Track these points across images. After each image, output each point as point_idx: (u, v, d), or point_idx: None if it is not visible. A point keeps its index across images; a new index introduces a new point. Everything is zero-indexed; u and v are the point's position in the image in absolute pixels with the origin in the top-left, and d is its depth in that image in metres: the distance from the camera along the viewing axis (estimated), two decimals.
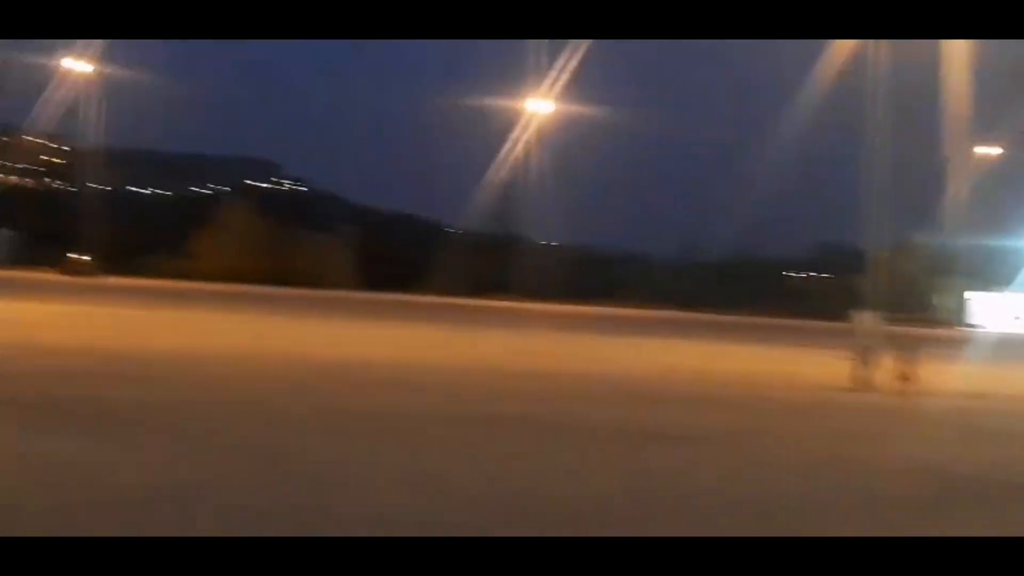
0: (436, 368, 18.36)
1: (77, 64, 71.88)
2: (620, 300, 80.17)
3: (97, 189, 78.17)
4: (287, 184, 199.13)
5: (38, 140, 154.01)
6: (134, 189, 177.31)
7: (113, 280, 62.09)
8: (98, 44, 70.00)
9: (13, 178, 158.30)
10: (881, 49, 38.86)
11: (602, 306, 74.34)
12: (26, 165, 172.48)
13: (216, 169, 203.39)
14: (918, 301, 70.62)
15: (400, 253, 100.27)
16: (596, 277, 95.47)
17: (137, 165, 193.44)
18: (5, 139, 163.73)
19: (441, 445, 10.02)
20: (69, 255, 69.98)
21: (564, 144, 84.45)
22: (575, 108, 77.94)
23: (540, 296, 76.85)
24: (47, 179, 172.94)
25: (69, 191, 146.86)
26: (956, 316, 73.82)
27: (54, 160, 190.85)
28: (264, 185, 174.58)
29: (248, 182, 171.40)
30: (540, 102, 71.45)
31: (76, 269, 67.58)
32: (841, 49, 46.63)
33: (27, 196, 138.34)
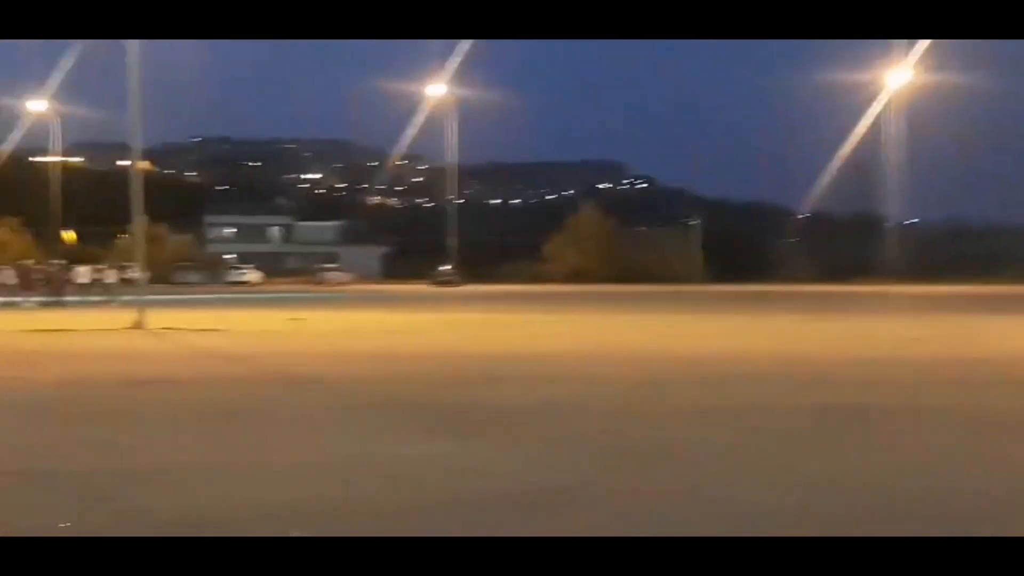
0: (822, 359, 17.13)
1: (434, 89, 76.52)
2: (997, 276, 73.32)
3: (455, 203, 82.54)
4: (633, 183, 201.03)
5: (402, 162, 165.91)
6: (490, 201, 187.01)
7: (476, 288, 65.22)
8: (452, 68, 74.06)
9: (379, 199, 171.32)
10: None
11: (978, 284, 68.33)
12: (392, 186, 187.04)
13: (565, 175, 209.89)
14: None
15: (751, 243, 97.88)
16: (968, 253, 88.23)
17: (491, 177, 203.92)
18: (374, 164, 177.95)
19: (870, 441, 9.09)
20: (437, 267, 74.46)
21: (923, 115, 78.69)
22: (934, 76, 72.44)
23: (906, 277, 71.96)
24: (411, 197, 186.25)
25: (430, 207, 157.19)
26: None
27: (416, 179, 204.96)
28: (610, 187, 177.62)
29: (597, 185, 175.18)
30: (897, 73, 67.05)
31: (442, 280, 71.71)
32: None
33: (394, 214, 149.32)
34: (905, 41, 62.41)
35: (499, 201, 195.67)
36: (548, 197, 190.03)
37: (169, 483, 7.55)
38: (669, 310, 35.90)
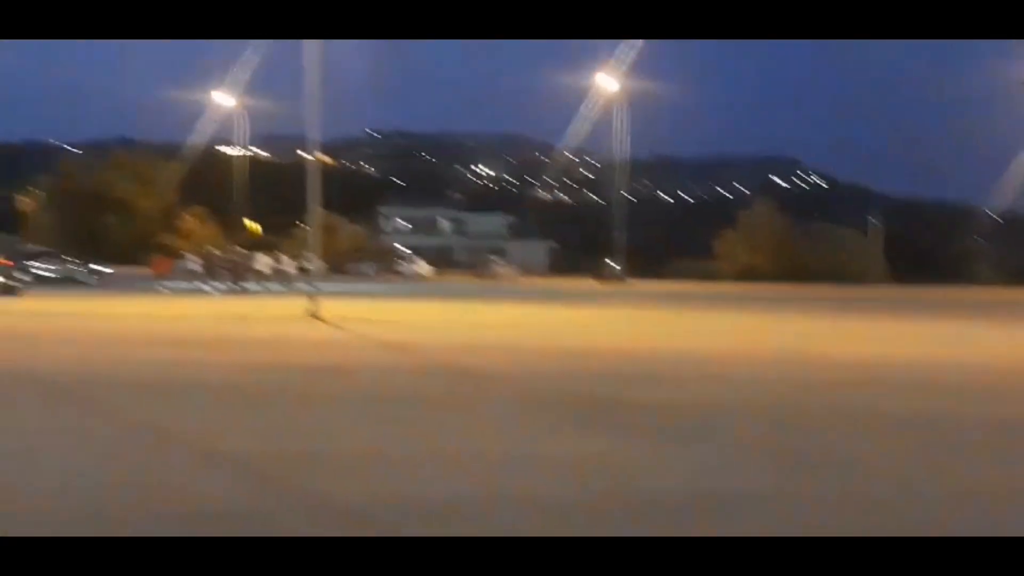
0: (1005, 369, 16.34)
1: (605, 82, 76.34)
2: None
3: (624, 198, 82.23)
4: (809, 180, 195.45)
5: (571, 156, 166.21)
6: (660, 195, 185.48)
7: (642, 285, 64.84)
8: (624, 61, 73.71)
9: (548, 193, 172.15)
10: None
11: None
12: (562, 180, 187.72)
13: (739, 170, 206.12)
14: None
15: (936, 244, 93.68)
16: None
17: (662, 172, 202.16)
18: (544, 158, 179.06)
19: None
20: (604, 262, 74.34)
21: None
22: None
23: None
24: (579, 192, 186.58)
25: (599, 202, 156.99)
26: None
27: (585, 174, 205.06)
28: (785, 183, 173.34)
29: (772, 179, 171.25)
30: None
31: (609, 276, 71.53)
32: None
33: (563, 209, 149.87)
34: None
35: (669, 197, 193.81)
36: (721, 193, 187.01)
37: (343, 469, 7.86)
38: (848, 312, 34.81)
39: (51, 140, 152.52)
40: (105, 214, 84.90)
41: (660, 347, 19.57)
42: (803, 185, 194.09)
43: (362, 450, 8.63)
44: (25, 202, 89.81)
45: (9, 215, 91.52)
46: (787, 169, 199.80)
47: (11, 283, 33.84)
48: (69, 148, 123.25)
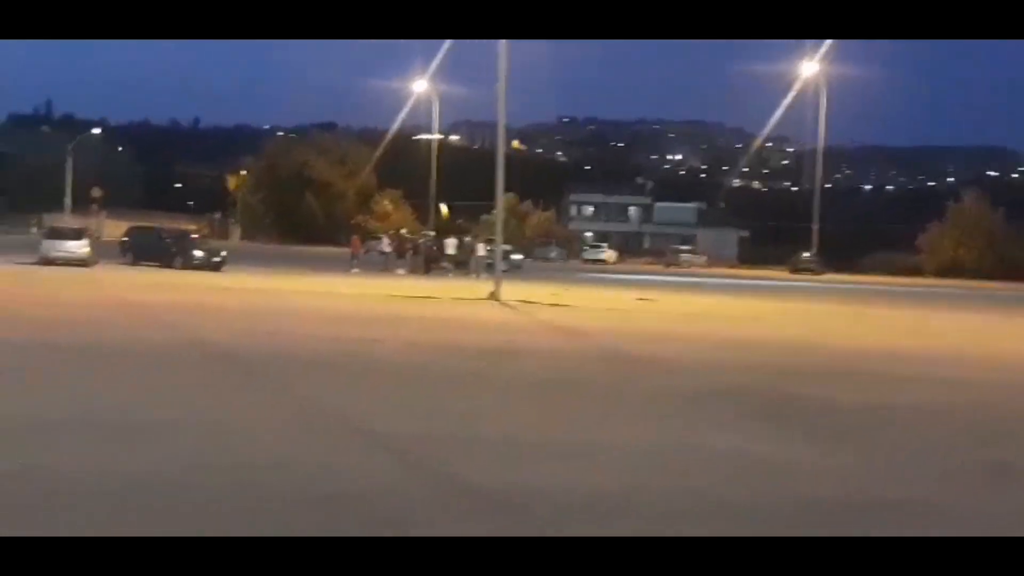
0: None
1: (806, 67, 73.84)
2: None
3: (822, 187, 79.41)
4: None
5: (767, 144, 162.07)
6: (861, 186, 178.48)
7: (837, 278, 62.49)
8: (824, 45, 71.17)
9: (741, 181, 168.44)
10: None
11: None
12: (757, 168, 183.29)
13: (946, 161, 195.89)
14: None
15: None
16: None
17: (863, 161, 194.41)
18: (739, 145, 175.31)
19: None
20: (798, 254, 72.04)
21: None
22: None
23: None
24: (775, 180, 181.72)
25: (795, 191, 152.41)
26: None
27: (781, 162, 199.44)
28: (998, 175, 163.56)
29: (983, 172, 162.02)
30: None
31: (802, 267, 69.26)
32: None
33: (756, 198, 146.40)
34: None
35: (870, 186, 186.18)
36: (927, 184, 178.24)
37: (494, 455, 7.78)
38: None
39: (260, 124, 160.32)
40: (307, 195, 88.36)
41: (860, 344, 18.70)
42: (1020, 178, 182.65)
43: (515, 435, 8.54)
44: (233, 182, 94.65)
45: (220, 194, 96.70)
46: (999, 160, 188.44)
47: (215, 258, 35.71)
48: (276, 132, 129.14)
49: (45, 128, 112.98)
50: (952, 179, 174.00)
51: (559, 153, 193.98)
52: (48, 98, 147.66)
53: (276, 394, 10.13)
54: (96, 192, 72.36)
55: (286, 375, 11.41)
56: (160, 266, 34.67)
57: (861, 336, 20.42)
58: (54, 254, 32.69)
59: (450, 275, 39.82)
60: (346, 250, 45.22)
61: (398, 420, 8.97)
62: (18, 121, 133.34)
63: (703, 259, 77.52)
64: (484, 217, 79.47)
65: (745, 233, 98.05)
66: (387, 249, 45.47)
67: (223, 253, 36.96)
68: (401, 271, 40.97)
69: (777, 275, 64.03)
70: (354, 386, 10.87)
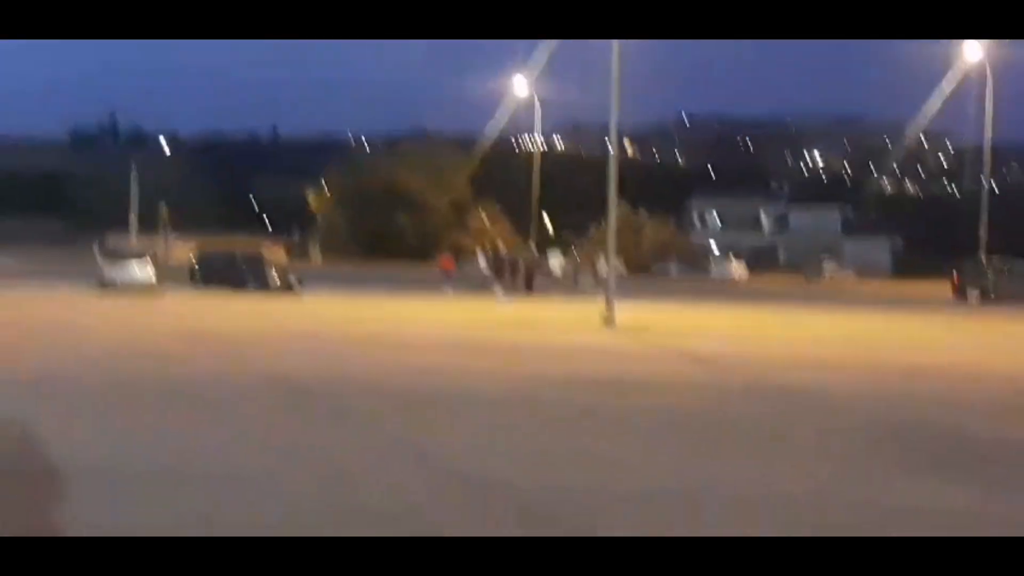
0: None
1: (965, 55, 71.75)
2: None
3: (990, 188, 76.90)
4: None
5: (922, 141, 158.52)
6: None
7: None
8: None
9: (892, 184, 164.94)
10: None
11: None
12: (910, 169, 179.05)
13: None
14: None
15: None
16: None
17: None
18: (889, 143, 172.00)
19: None
20: (965, 263, 69.48)
21: None
22: None
23: None
24: (932, 182, 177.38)
25: (955, 193, 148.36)
26: None
27: (940, 161, 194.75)
28: None
29: None
30: None
31: (973, 285, 66.82)
32: None
33: (910, 202, 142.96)
34: None
35: None
36: None
37: (639, 511, 7.35)
38: None
39: (344, 132, 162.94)
40: (396, 210, 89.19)
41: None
42: None
43: (647, 487, 8.09)
44: (316, 199, 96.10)
45: (301, 211, 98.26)
46: None
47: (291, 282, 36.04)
48: (361, 140, 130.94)
49: (109, 144, 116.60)
50: None
51: (679, 156, 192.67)
52: (112, 111, 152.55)
53: (360, 431, 9.86)
54: (164, 211, 74.27)
55: (372, 411, 11.16)
56: (233, 290, 35.09)
57: None
58: (113, 279, 33.18)
59: (554, 295, 39.49)
60: (438, 270, 45.20)
61: (504, 464, 8.60)
62: (81, 137, 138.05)
63: (850, 272, 75.65)
64: (593, 230, 79.08)
65: (899, 242, 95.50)
66: (484, 268, 45.39)
67: (299, 276, 37.27)
68: (500, 292, 40.79)
69: (941, 291, 62.00)
70: (446, 422, 10.54)
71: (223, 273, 37.04)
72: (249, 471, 8.19)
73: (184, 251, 44.54)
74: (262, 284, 35.48)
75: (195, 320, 23.79)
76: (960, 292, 43.34)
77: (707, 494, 7.87)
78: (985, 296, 41.88)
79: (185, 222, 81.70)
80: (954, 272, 46.81)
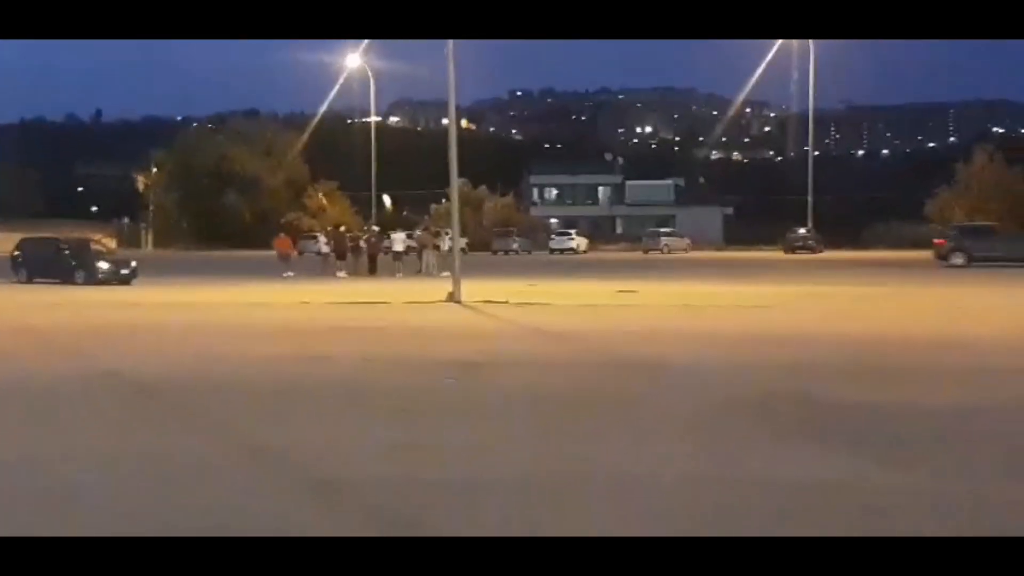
0: None
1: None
2: None
3: (809, 155, 79.11)
4: None
5: (745, 110, 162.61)
6: (852, 152, 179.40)
7: (839, 255, 62.17)
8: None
9: (720, 153, 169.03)
10: None
11: None
12: (735, 138, 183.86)
13: (946, 119, 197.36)
14: None
15: None
16: None
17: (851, 125, 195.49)
18: (714, 113, 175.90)
19: None
20: (792, 231, 71.44)
21: None
22: None
23: None
24: (756, 150, 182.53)
25: (778, 161, 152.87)
26: None
27: (762, 129, 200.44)
28: (1007, 131, 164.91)
29: (993, 129, 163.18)
30: None
31: (799, 245, 68.76)
32: None
33: (738, 170, 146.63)
34: None
35: (863, 152, 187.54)
36: (927, 145, 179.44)
37: (506, 503, 6.75)
38: None
39: (171, 116, 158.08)
40: (227, 190, 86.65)
41: (883, 330, 17.87)
42: None
43: (515, 476, 7.50)
44: (143, 181, 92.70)
45: (129, 196, 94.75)
46: (1007, 115, 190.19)
47: (124, 271, 34.31)
48: (190, 123, 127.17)
49: None
50: (954, 139, 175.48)
51: (514, 131, 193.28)
52: None
53: (198, 432, 9.00)
54: None
55: (210, 407, 10.29)
56: (60, 282, 33.28)
57: (891, 321, 19.61)
58: None
59: (399, 275, 38.75)
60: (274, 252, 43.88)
61: (367, 462, 7.91)
62: None
63: (686, 242, 76.85)
64: (434, 207, 78.36)
65: (729, 210, 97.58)
66: (325, 249, 44.27)
67: (133, 264, 35.49)
68: (342, 274, 39.82)
69: (772, 256, 63.58)
70: (290, 417, 9.76)
71: (49, 264, 35.14)
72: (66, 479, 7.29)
73: (7, 243, 42.06)
74: (90, 275, 33.69)
75: (16, 315, 22.25)
76: (942, 257, 44.50)
77: (575, 476, 7.33)
78: (970, 261, 43.04)
79: (7, 213, 77.82)
80: (939, 238, 47.84)
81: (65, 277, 33.83)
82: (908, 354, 14.47)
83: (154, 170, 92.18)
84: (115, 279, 33.57)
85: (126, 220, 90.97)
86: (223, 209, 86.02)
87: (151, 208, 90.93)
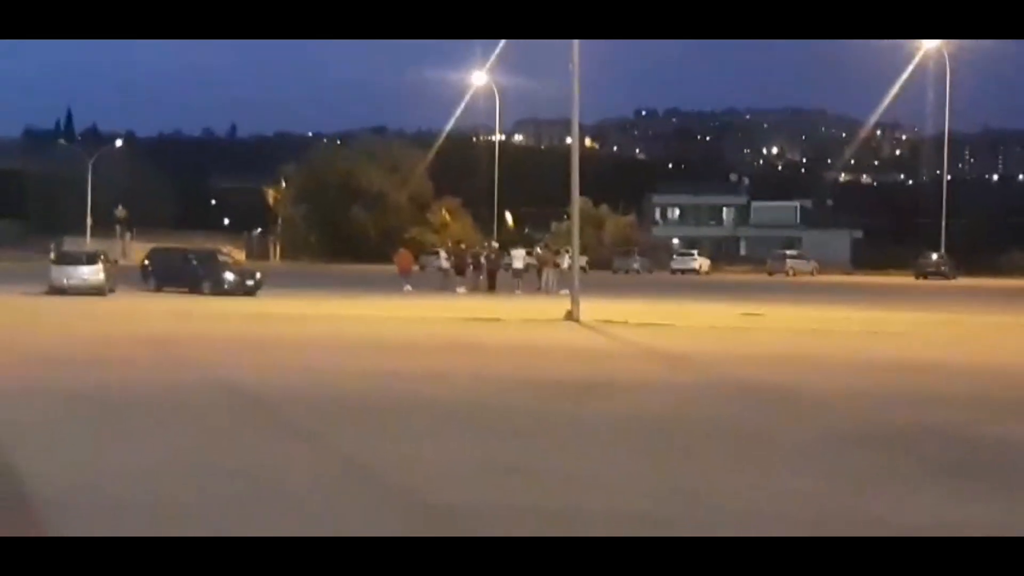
0: None
1: (921, 44, 71.41)
2: None
3: (943, 178, 76.69)
4: None
5: (877, 132, 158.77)
6: (988, 176, 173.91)
7: (972, 282, 59.97)
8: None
9: (849, 175, 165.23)
10: None
11: None
12: (866, 160, 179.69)
13: None
14: None
15: None
16: None
17: (989, 148, 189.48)
18: (844, 135, 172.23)
19: None
20: (923, 256, 69.24)
21: None
22: None
23: None
24: (888, 173, 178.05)
25: (911, 184, 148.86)
26: None
27: (894, 151, 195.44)
28: None
29: None
30: None
31: (930, 271, 66.59)
32: None
33: (868, 193, 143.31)
34: None
35: (998, 176, 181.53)
36: None
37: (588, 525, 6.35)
38: None
39: (303, 131, 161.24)
40: (354, 206, 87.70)
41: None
42: None
43: (620, 509, 7.08)
44: (273, 195, 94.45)
45: (259, 210, 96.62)
46: None
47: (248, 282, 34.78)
48: (320, 139, 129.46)
49: (62, 141, 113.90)
50: None
51: (638, 151, 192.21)
52: (68, 109, 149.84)
53: (301, 443, 8.79)
54: (120, 212, 72.50)
55: (314, 421, 10.09)
56: (187, 292, 33.88)
57: None
58: (64, 282, 32.01)
59: (517, 292, 38.50)
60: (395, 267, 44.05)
61: (463, 484, 7.58)
62: (35, 136, 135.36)
63: (813, 265, 75.07)
64: (555, 225, 78.11)
65: (858, 234, 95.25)
66: (445, 265, 44.30)
67: (258, 275, 35.97)
68: (461, 289, 39.74)
69: (903, 281, 61.68)
70: (398, 434, 9.49)
71: (177, 274, 35.83)
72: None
73: (142, 252, 43.13)
74: (217, 285, 34.22)
75: (140, 324, 22.59)
76: None
77: (690, 516, 6.87)
78: None
79: (143, 222, 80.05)
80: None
81: (192, 287, 34.42)
82: None
83: (284, 184, 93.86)
84: (240, 290, 34.02)
85: (256, 233, 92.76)
86: (349, 223, 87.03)
87: (280, 221, 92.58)
